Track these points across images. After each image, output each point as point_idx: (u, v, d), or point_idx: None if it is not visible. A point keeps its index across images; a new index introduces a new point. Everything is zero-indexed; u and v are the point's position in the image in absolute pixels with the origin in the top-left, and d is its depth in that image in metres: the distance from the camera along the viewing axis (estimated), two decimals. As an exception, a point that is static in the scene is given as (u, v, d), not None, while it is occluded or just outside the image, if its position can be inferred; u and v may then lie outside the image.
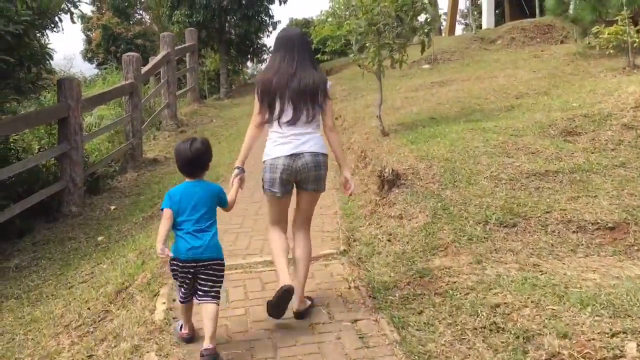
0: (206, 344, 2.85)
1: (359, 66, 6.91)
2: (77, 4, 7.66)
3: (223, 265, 3.05)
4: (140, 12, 26.22)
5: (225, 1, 15.63)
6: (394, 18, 6.61)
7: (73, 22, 7.40)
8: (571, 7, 10.15)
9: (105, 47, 23.88)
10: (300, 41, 3.36)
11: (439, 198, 4.53)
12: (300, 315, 3.28)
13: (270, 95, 3.25)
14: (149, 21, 25.99)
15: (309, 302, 3.40)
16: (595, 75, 8.30)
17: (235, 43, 17.99)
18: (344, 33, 6.54)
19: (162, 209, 3.00)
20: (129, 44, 23.50)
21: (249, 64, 22.19)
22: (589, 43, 10.69)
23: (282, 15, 58.84)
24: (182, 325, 3.16)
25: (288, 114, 3.24)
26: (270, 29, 17.62)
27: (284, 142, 3.23)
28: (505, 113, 6.88)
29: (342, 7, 27.09)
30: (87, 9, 25.10)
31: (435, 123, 6.90)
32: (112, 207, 7.35)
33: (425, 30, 6.57)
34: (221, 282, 3.04)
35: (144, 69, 9.74)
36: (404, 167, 5.05)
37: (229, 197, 3.18)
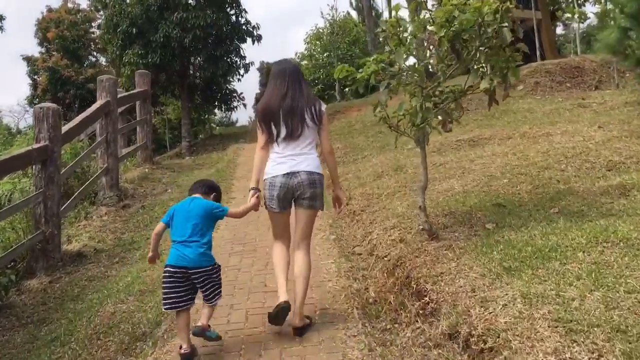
0: (200, 322, 3.30)
1: (390, 127, 4.33)
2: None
3: (215, 270, 3.38)
4: (95, 53, 23.53)
5: (187, 39, 13.06)
6: (449, 51, 4.11)
7: None
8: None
9: (52, 92, 21.08)
10: (292, 70, 3.73)
11: None
12: (299, 331, 3.42)
13: (267, 118, 3.59)
14: (105, 64, 23.31)
15: (307, 321, 3.52)
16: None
17: (200, 88, 15.36)
18: (366, 75, 3.90)
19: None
20: (80, 89, 20.86)
21: (216, 111, 19.52)
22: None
23: (252, 58, 56.76)
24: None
25: (282, 133, 3.57)
26: (242, 71, 15.07)
27: (281, 161, 3.56)
28: (622, 200, 4.34)
29: (320, 50, 25.11)
30: (34, 49, 22.42)
31: (510, 215, 4.34)
32: (-11, 355, 4.49)
33: (503, 71, 4.05)
34: (217, 285, 3.39)
35: (67, 126, 7.00)
36: (537, 353, 2.39)
37: (240, 208, 3.64)
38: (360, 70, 4.25)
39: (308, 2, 72.68)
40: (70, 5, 23.28)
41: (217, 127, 21.27)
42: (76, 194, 7.65)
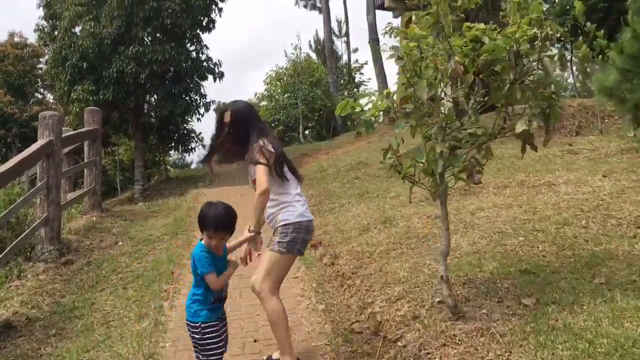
0: None
1: (403, 179, 3.51)
2: None
3: (193, 328, 2.91)
4: (42, 90, 22.18)
5: (143, 75, 12.10)
6: (479, 85, 3.36)
7: None
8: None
9: (-7, 130, 19.62)
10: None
11: None
12: None
13: (283, 159, 3.42)
14: (52, 101, 21.98)
15: None
16: None
17: (156, 127, 14.31)
18: (376, 112, 3.08)
19: None
20: (24, 127, 19.46)
21: (172, 152, 18.41)
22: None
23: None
24: None
25: (295, 174, 3.51)
26: (202, 110, 14.14)
27: (306, 204, 3.46)
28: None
29: (280, 91, 24.48)
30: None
31: (547, 287, 3.54)
32: None
33: (545, 109, 3.32)
34: (197, 346, 2.92)
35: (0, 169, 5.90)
36: None
37: (225, 274, 2.98)
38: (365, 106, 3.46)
39: (263, 46, 73.66)
40: (17, 39, 22.00)
41: (172, 170, 20.08)
42: (8, 248, 6.45)
